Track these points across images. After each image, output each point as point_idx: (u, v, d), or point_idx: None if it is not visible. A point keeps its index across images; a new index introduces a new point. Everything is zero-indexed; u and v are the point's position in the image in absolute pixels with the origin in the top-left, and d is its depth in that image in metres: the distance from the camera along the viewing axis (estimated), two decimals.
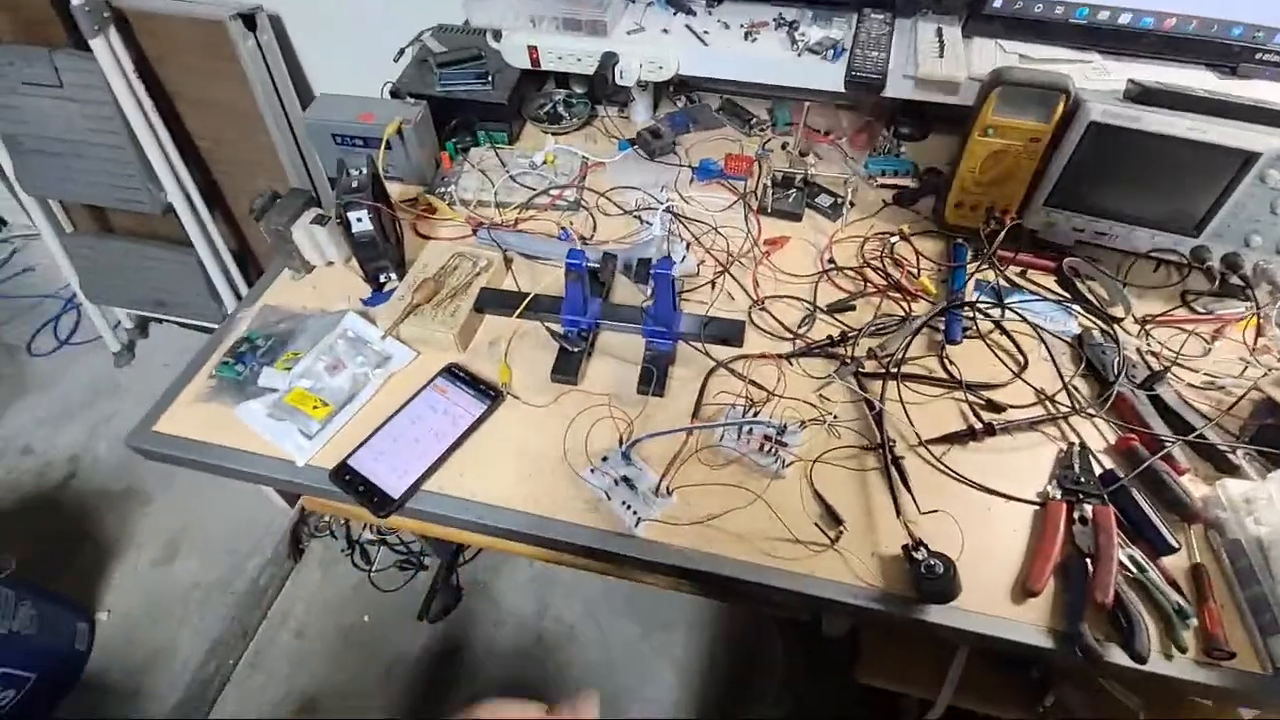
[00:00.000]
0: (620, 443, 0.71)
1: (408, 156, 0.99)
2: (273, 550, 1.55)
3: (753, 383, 0.77)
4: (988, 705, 0.78)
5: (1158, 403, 0.74)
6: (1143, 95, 0.82)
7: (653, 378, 0.76)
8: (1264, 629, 0.60)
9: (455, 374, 0.78)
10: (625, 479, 0.69)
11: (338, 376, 0.77)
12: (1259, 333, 0.82)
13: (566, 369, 0.78)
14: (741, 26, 1.01)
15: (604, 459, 0.71)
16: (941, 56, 0.90)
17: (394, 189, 0.99)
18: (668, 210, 0.93)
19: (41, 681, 1.30)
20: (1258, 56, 0.88)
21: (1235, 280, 0.83)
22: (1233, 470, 0.70)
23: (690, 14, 1.03)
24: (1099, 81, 0.89)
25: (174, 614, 1.47)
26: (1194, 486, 0.69)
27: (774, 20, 1.01)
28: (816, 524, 0.67)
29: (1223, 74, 0.90)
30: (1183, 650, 0.59)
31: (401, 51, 1.14)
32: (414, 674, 1.44)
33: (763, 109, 1.16)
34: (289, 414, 0.74)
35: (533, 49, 1.01)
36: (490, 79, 1.07)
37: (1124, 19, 0.89)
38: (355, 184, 0.80)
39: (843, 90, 0.93)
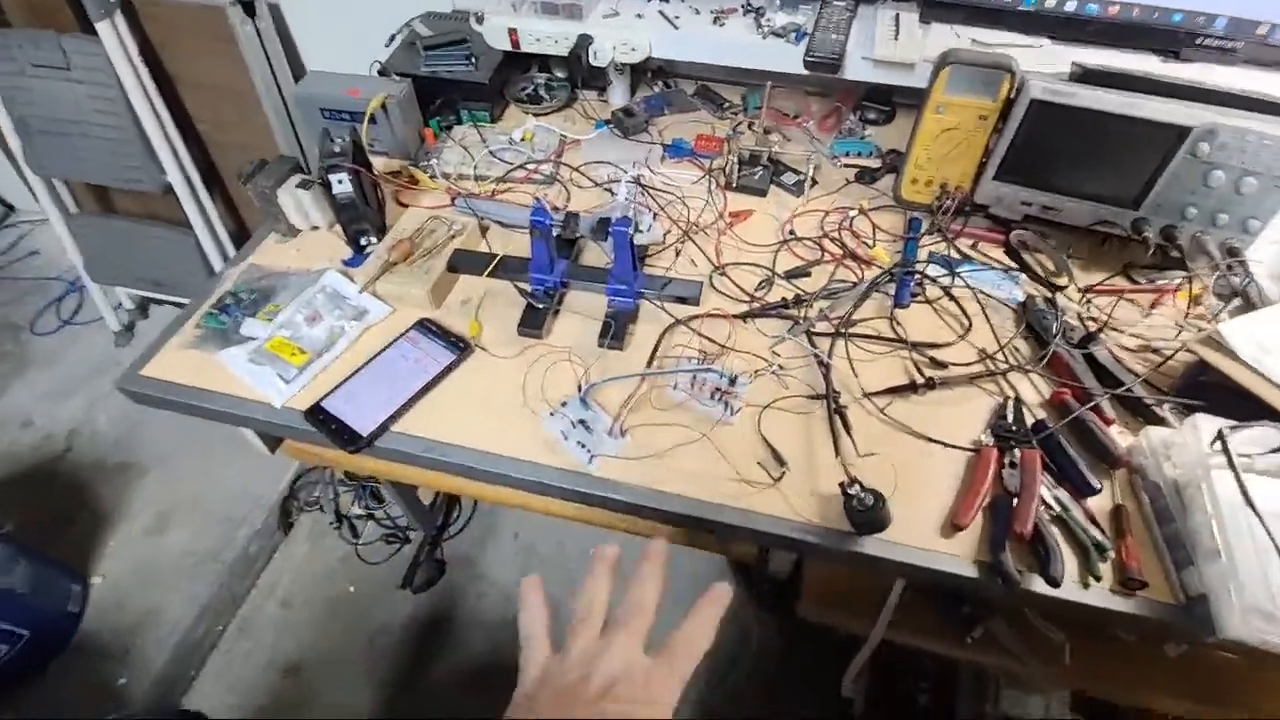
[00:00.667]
0: (579, 389, 0.75)
1: (392, 131, 1.04)
2: (262, 522, 1.60)
3: (707, 338, 0.82)
4: (920, 638, 0.82)
5: (1091, 361, 0.78)
6: (1084, 76, 0.86)
7: (611, 330, 0.80)
8: (1178, 563, 0.63)
9: (427, 327, 0.83)
10: (582, 422, 0.73)
11: (316, 327, 0.82)
12: (1195, 301, 0.86)
13: (533, 323, 0.82)
14: (711, 12, 1.06)
15: (563, 404, 0.75)
16: (896, 39, 0.95)
17: (379, 162, 1.04)
18: (634, 180, 0.98)
19: (35, 639, 1.34)
20: (1198, 41, 0.92)
21: (1174, 252, 0.87)
22: (1160, 423, 0.74)
23: (664, 0, 1.08)
24: (1047, 65, 0.93)
25: (165, 581, 1.51)
26: (1121, 437, 0.72)
27: (742, 6, 1.06)
28: (760, 464, 0.71)
29: (1166, 58, 0.95)
30: (1098, 579, 0.63)
31: (392, 37, 1.20)
32: (397, 643, 1.48)
33: (736, 94, 1.21)
34: (269, 360, 0.78)
35: (513, 31, 1.06)
36: (474, 61, 1.12)
37: (1070, 5, 0.94)
38: (337, 149, 0.85)
39: (803, 71, 0.97)
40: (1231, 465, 0.61)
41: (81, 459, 1.74)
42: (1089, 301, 0.87)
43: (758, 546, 0.78)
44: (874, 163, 1.08)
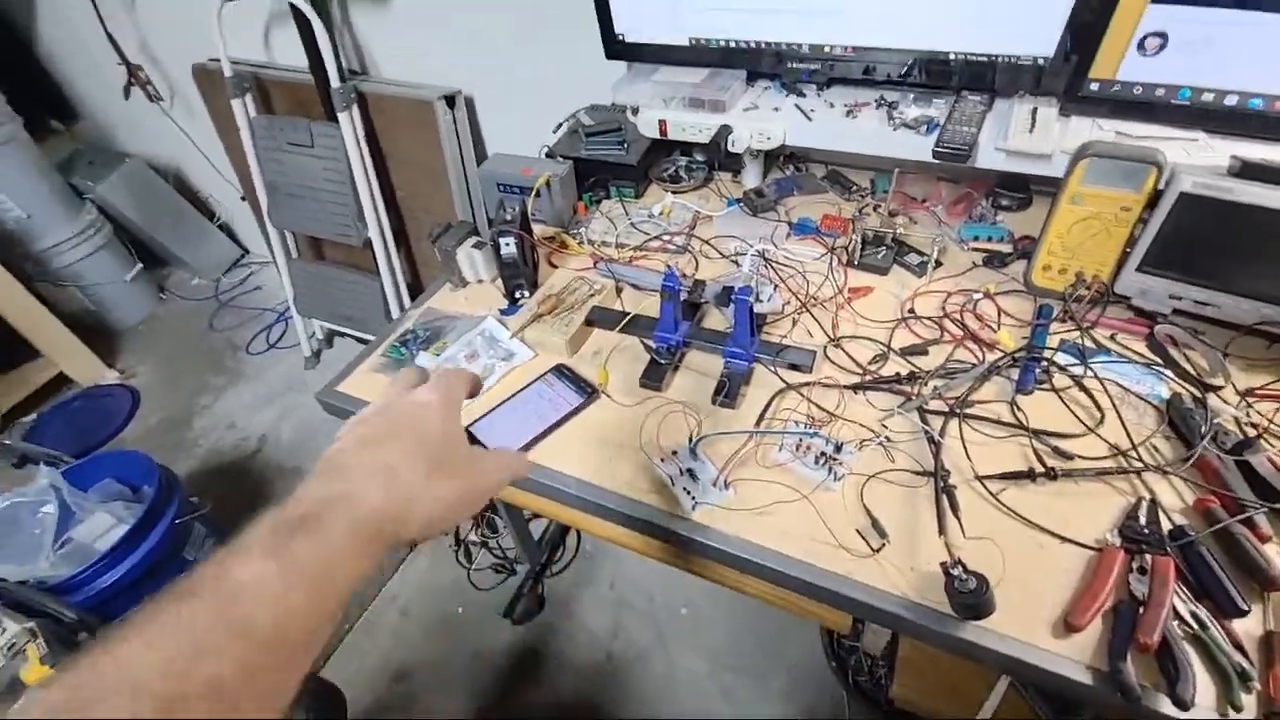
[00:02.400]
0: (690, 439, 0.82)
1: (552, 203, 1.21)
2: None
3: (817, 405, 0.85)
4: None
5: (1246, 469, 0.72)
6: (1244, 170, 0.83)
7: (725, 389, 0.86)
8: None
9: (562, 372, 0.94)
10: (689, 471, 0.79)
11: (473, 364, 0.97)
12: None
13: (654, 377, 0.91)
14: (845, 106, 1.14)
15: (674, 452, 0.82)
16: (1031, 132, 0.97)
17: (538, 229, 1.21)
18: (758, 254, 1.06)
19: None
20: None
21: None
22: None
23: (801, 95, 1.18)
24: (1202, 157, 0.90)
25: None
26: (1278, 557, 0.65)
27: (875, 101, 1.13)
28: (859, 533, 0.72)
29: None
30: (1238, 710, 0.57)
31: (560, 125, 1.40)
32: (493, 666, 1.56)
33: (865, 178, 1.27)
34: None
35: (663, 123, 1.21)
36: (626, 146, 1.28)
37: (1230, 100, 0.91)
38: (508, 217, 1.02)
39: (931, 159, 1.02)
40: None
41: (267, 460, 2.06)
42: (1249, 406, 0.80)
43: (851, 617, 0.77)
44: (1005, 248, 1.07)
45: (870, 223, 1.12)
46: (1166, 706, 0.58)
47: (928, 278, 1.03)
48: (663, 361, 0.92)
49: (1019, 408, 0.83)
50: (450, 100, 1.65)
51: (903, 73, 1.09)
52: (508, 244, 1.00)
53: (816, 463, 0.79)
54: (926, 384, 0.87)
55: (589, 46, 1.25)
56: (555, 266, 1.15)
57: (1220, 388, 0.82)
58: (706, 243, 1.15)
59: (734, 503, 0.77)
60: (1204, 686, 0.58)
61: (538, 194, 1.17)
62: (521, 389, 0.93)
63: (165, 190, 2.59)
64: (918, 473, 0.77)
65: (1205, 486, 0.72)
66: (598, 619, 1.63)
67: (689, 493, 0.78)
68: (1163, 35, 0.89)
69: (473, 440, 0.87)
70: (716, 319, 1.01)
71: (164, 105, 2.30)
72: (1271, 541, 0.66)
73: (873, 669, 0.93)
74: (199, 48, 1.88)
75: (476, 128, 1.77)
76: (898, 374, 0.89)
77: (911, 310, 0.98)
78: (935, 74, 1.06)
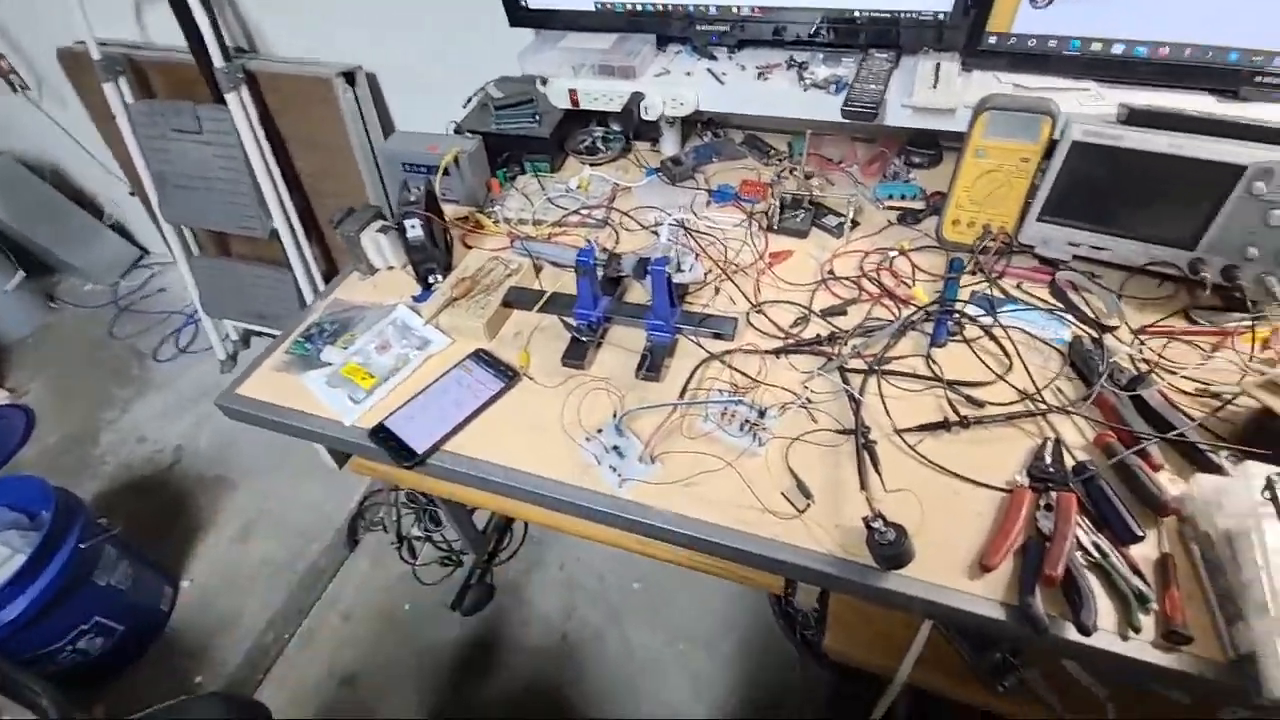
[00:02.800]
0: (614, 416, 0.80)
1: (463, 182, 1.15)
2: (332, 538, 1.71)
3: (740, 372, 0.85)
4: (949, 684, 0.78)
5: (1140, 404, 0.75)
6: (1132, 117, 0.86)
7: (648, 362, 0.85)
8: (1228, 618, 0.60)
9: (481, 357, 0.90)
10: (615, 448, 0.78)
11: (385, 355, 0.91)
12: (1264, 344, 0.81)
13: (576, 355, 0.88)
14: (757, 68, 1.12)
15: (599, 430, 0.80)
16: (935, 87, 0.98)
17: (449, 209, 1.15)
18: (676, 223, 1.04)
19: (129, 633, 1.48)
20: (1257, 79, 0.90)
21: (1236, 293, 0.83)
22: (1215, 471, 0.70)
23: (713, 59, 1.16)
24: (1094, 106, 0.93)
25: (244, 586, 1.64)
26: (1171, 484, 0.69)
27: (785, 62, 1.12)
28: (785, 495, 0.73)
29: (1224, 98, 0.93)
30: (1138, 631, 0.60)
31: (469, 99, 1.34)
32: (445, 660, 1.53)
33: (782, 142, 1.26)
34: (342, 382, 0.88)
35: (573, 92, 1.16)
36: (538, 118, 1.23)
37: (1117, 49, 0.94)
38: (412, 198, 0.96)
39: (841, 119, 1.01)
40: (1263, 511, 0.57)
41: (185, 472, 1.93)
42: (1142, 343, 0.84)
43: (783, 578, 0.78)
44: (918, 205, 1.09)
45: (788, 186, 1.11)
46: (1072, 633, 0.61)
47: (845, 239, 1.04)
48: (584, 339, 0.89)
49: (934, 361, 0.85)
50: (350, 77, 1.55)
51: (811, 32, 1.07)
52: (414, 226, 0.95)
53: (741, 430, 0.78)
54: (846, 344, 0.87)
55: (494, 14, 1.18)
56: (470, 247, 1.10)
57: (1116, 328, 0.86)
58: (626, 214, 1.12)
59: (661, 476, 0.75)
60: (1106, 611, 0.62)
61: (446, 172, 1.11)
62: (439, 378, 0.88)
63: (42, 189, 2.35)
64: (839, 431, 0.78)
65: (1104, 423, 0.75)
66: (550, 602, 1.61)
67: (615, 470, 0.76)
68: None
69: (390, 435, 0.82)
70: (639, 292, 0.99)
71: (31, 95, 2.07)
72: (1164, 470, 0.70)
73: (819, 623, 0.96)
74: (63, 30, 1.69)
75: (383, 106, 1.67)
76: (819, 335, 0.89)
77: (831, 272, 0.99)
78: (842, 32, 1.06)
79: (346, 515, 1.75)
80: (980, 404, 0.80)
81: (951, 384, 0.82)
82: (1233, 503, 0.63)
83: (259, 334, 2.27)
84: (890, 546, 0.64)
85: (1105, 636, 0.60)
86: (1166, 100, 0.92)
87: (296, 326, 0.99)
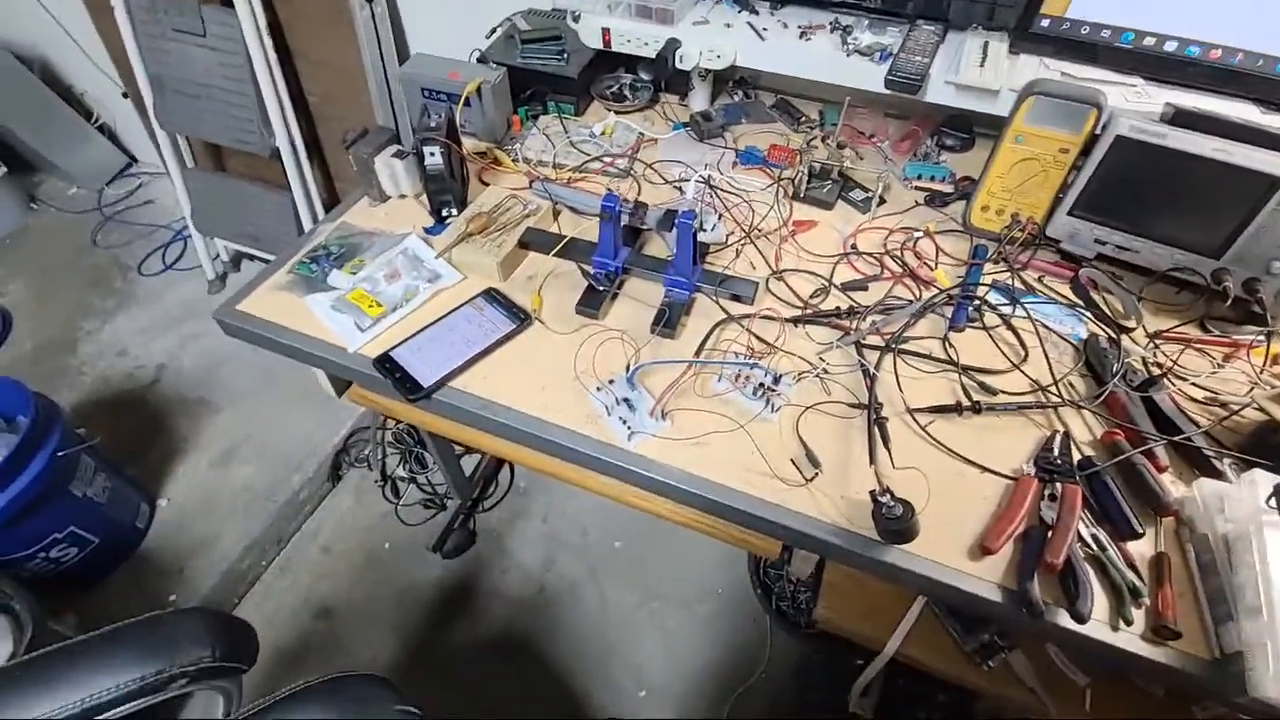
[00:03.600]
0: (627, 369, 0.79)
1: (484, 115, 1.11)
2: (315, 470, 1.70)
3: (757, 336, 0.84)
4: (936, 660, 0.80)
5: (1150, 406, 0.76)
6: (1177, 117, 0.84)
7: (665, 318, 0.83)
8: (1217, 618, 0.61)
9: (493, 296, 0.88)
10: (626, 400, 0.76)
11: (394, 285, 0.89)
12: (1275, 359, 0.82)
13: (591, 304, 0.86)
14: (799, 27, 1.08)
15: (610, 381, 0.79)
16: (982, 66, 0.95)
17: (468, 142, 1.11)
18: (703, 180, 1.01)
19: (103, 547, 1.46)
20: None
21: (1255, 306, 0.84)
22: (1217, 476, 0.71)
23: (754, 13, 1.11)
24: (1139, 103, 0.91)
25: (222, 511, 1.62)
26: (1173, 485, 0.70)
27: (830, 24, 1.08)
28: (794, 463, 0.73)
29: (1267, 109, 0.91)
30: (1129, 623, 0.61)
31: (494, 30, 1.28)
32: (423, 601, 1.54)
33: (814, 110, 1.23)
34: (348, 308, 0.85)
35: (606, 31, 1.11)
36: (566, 56, 1.18)
37: (1169, 46, 0.91)
38: (433, 124, 0.92)
39: (884, 90, 0.99)
40: (1266, 518, 0.58)
41: (166, 391, 1.89)
42: (1156, 347, 0.85)
43: (781, 545, 0.78)
44: (946, 188, 1.07)
45: (818, 155, 1.09)
46: (1065, 620, 0.62)
47: (871, 214, 1.02)
48: (601, 288, 0.87)
49: (951, 344, 0.84)
50: None
51: None
52: (433, 154, 0.91)
53: (755, 394, 0.78)
54: (864, 319, 0.87)
55: None
56: (486, 184, 1.06)
57: (1132, 330, 0.86)
58: (650, 166, 1.09)
59: (671, 433, 0.75)
60: (1100, 602, 0.63)
61: (467, 102, 1.07)
62: (448, 313, 0.86)
63: (30, 82, 2.23)
64: (852, 405, 0.78)
65: (1113, 421, 0.76)
66: (530, 553, 1.62)
67: (625, 423, 0.75)
68: None
69: (396, 367, 0.80)
70: (658, 246, 0.96)
71: None
72: (1168, 472, 0.71)
73: (795, 594, 0.98)
74: None
75: (399, 27, 1.59)
76: (837, 308, 0.88)
77: (854, 246, 0.97)
78: None
79: (331, 449, 1.74)
80: (994, 391, 0.80)
81: (966, 369, 0.82)
82: (1235, 508, 0.64)
83: (252, 257, 2.21)
84: (897, 521, 0.64)
85: (1097, 626, 0.62)
86: (1211, 105, 0.91)
87: (302, 246, 0.95)
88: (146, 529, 1.59)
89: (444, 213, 0.98)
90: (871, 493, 0.67)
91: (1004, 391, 0.79)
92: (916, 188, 1.08)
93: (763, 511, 0.70)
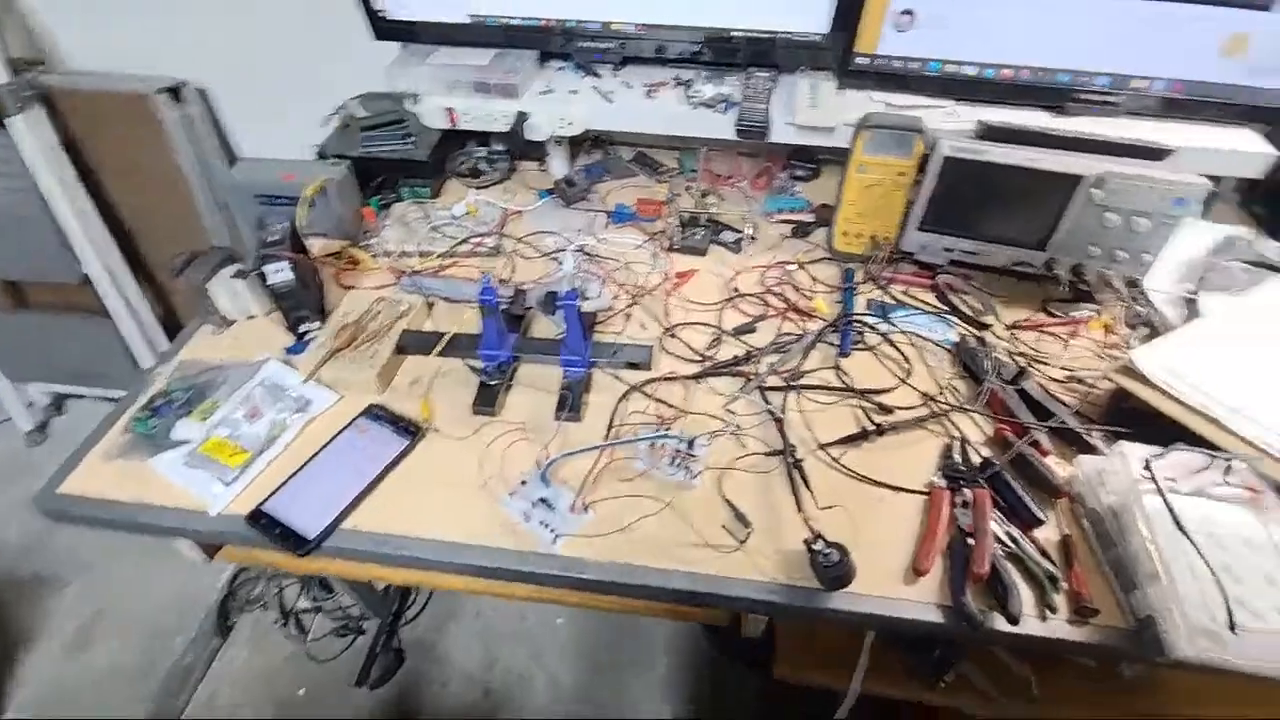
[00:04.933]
0: (538, 466, 0.74)
1: (331, 211, 1.03)
2: (198, 629, 1.47)
3: (662, 402, 0.82)
4: (896, 688, 0.81)
5: (1024, 396, 0.82)
6: (988, 132, 0.95)
7: (567, 403, 0.80)
8: (1124, 587, 0.66)
9: (376, 414, 0.80)
10: (543, 500, 0.72)
11: (256, 423, 0.78)
12: (1108, 330, 0.92)
13: (486, 401, 0.81)
14: (645, 86, 1.11)
15: (522, 483, 0.74)
16: (814, 106, 1.02)
17: (318, 243, 1.02)
18: (579, 249, 0.99)
19: None
20: (1079, 97, 1.02)
21: (1084, 286, 0.94)
22: (1092, 450, 0.78)
23: (596, 75, 1.13)
24: (953, 123, 1.01)
25: (88, 704, 1.36)
26: (1059, 467, 0.76)
27: (673, 80, 1.12)
28: (725, 527, 0.71)
29: (1054, 113, 1.05)
30: (1054, 611, 0.65)
31: (328, 118, 1.20)
32: None
33: (671, 159, 1.26)
34: (205, 463, 0.74)
35: (451, 110, 1.08)
36: (412, 139, 1.13)
37: (969, 70, 1.02)
38: (273, 238, 0.84)
39: (735, 138, 1.03)
40: (1160, 493, 0.64)
41: None
42: (1015, 338, 0.93)
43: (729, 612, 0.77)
44: (807, 217, 1.13)
45: (685, 204, 1.11)
46: (1002, 624, 0.64)
47: (745, 254, 1.05)
48: (494, 382, 0.82)
49: (843, 371, 0.88)
50: (175, 93, 1.34)
51: (694, 51, 1.08)
52: (278, 270, 0.83)
53: (673, 464, 0.76)
54: (760, 362, 0.88)
55: (349, 20, 1.07)
56: (348, 287, 0.98)
57: (990, 325, 0.94)
58: (521, 241, 1.06)
59: (598, 525, 0.71)
60: (1026, 597, 0.66)
61: (311, 203, 0.99)
62: (327, 443, 0.77)
63: None
64: (768, 454, 0.78)
65: (997, 417, 0.81)
66: (468, 656, 1.50)
67: (547, 525, 0.70)
68: (910, 12, 0.98)
69: (274, 522, 0.70)
70: (545, 325, 0.93)
71: None
72: (1052, 456, 0.77)
73: (755, 651, 0.96)
74: None
75: (221, 129, 1.46)
76: (735, 356, 0.89)
77: (736, 289, 0.99)
78: (722, 51, 1.07)
79: (214, 599, 1.52)
80: (890, 410, 0.83)
81: (863, 393, 0.85)
82: (1114, 481, 0.70)
83: (77, 397, 1.91)
84: (835, 567, 0.64)
85: (1029, 621, 0.64)
86: (1011, 116, 1.02)
87: (135, 398, 0.83)
88: None
89: (303, 329, 0.89)
90: (806, 541, 0.67)
91: (899, 408, 0.83)
92: (780, 221, 1.13)
93: (704, 586, 0.67)
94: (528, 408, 0.83)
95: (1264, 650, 0.58)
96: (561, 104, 1.09)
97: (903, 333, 0.93)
